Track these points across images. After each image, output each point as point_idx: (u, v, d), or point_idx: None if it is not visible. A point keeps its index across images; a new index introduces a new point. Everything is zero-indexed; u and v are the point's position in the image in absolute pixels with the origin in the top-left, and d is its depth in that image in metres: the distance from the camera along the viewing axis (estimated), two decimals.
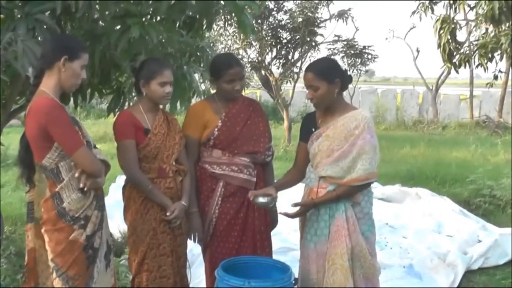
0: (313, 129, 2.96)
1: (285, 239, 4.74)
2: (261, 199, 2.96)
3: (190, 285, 3.26)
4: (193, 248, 3.97)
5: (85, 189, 2.51)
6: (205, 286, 3.37)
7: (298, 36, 11.16)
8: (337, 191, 2.83)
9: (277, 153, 9.03)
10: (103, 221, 2.63)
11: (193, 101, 3.87)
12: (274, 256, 3.30)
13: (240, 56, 11.51)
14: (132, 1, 3.12)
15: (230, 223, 3.15)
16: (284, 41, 11.46)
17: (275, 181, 3.31)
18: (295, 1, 11.49)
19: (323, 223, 2.87)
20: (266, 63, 11.65)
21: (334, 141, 2.84)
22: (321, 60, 3.14)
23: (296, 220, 3.12)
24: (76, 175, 2.49)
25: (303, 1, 11.28)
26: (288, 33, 11.42)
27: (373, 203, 2.98)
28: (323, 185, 2.87)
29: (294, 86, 12.75)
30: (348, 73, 2.99)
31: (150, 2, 2.98)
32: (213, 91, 3.45)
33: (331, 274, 2.79)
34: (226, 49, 11.92)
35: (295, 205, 2.92)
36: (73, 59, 2.51)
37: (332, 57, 12.84)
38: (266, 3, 10.19)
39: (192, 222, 3.15)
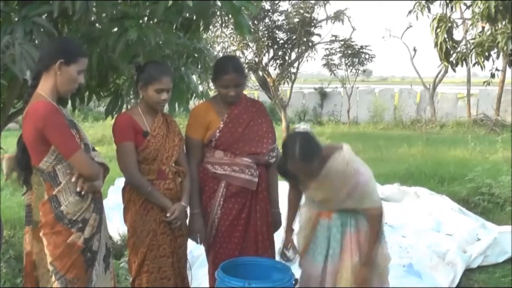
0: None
1: None
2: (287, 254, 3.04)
3: (191, 287, 3.25)
4: (194, 250, 3.97)
5: (83, 192, 2.50)
6: (206, 287, 3.36)
7: (294, 37, 11.15)
8: (369, 237, 2.84)
9: None
10: (101, 224, 2.62)
11: (192, 102, 3.87)
12: (277, 257, 3.29)
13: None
14: (129, 3, 3.12)
15: (233, 224, 3.14)
16: (281, 41, 11.44)
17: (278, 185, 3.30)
18: (290, 2, 11.49)
19: (335, 243, 2.89)
20: (263, 64, 11.64)
21: (327, 193, 2.85)
22: (303, 148, 2.73)
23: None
24: (73, 179, 2.47)
25: (299, 1, 11.27)
26: (284, 33, 11.41)
27: None
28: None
29: (292, 86, 12.74)
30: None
31: (147, 4, 2.97)
32: (211, 93, 3.44)
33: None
34: (224, 50, 11.91)
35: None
36: (70, 63, 2.48)
37: (330, 57, 12.86)
38: (262, 4, 10.16)
39: (194, 223, 3.14)
